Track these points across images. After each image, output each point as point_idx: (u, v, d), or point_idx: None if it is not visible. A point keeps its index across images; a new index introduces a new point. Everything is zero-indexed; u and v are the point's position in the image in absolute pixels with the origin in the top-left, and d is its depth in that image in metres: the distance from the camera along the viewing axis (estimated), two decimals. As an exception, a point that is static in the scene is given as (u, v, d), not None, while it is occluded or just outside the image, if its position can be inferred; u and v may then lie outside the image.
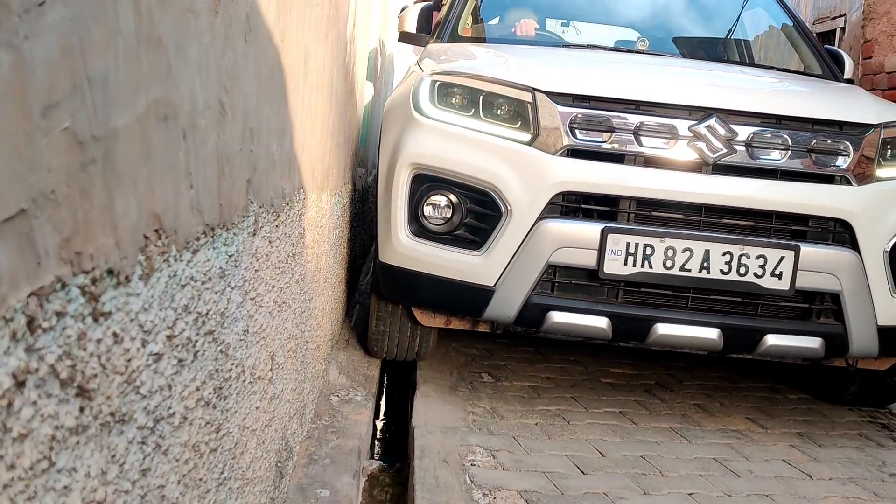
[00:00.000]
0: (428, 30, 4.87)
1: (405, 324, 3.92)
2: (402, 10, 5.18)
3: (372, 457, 3.37)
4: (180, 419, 1.25)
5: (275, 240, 1.96)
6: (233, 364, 1.61)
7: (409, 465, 3.07)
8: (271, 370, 2.05)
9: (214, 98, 1.37)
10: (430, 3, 5.38)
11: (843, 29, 6.22)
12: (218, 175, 1.41)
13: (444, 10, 4.96)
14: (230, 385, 1.61)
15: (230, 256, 1.52)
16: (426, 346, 4.06)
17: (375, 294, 3.88)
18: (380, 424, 3.88)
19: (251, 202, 1.69)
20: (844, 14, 6.17)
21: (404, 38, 4.98)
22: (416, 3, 5.27)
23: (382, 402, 4.19)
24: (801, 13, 7.07)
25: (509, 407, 3.61)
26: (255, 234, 1.74)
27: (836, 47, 5.50)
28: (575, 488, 2.82)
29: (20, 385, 0.72)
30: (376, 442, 3.64)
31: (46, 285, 0.77)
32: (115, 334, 0.94)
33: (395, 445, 3.63)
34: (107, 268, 0.91)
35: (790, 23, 4.95)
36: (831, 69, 4.62)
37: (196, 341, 1.32)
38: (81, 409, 0.86)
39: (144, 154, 1.04)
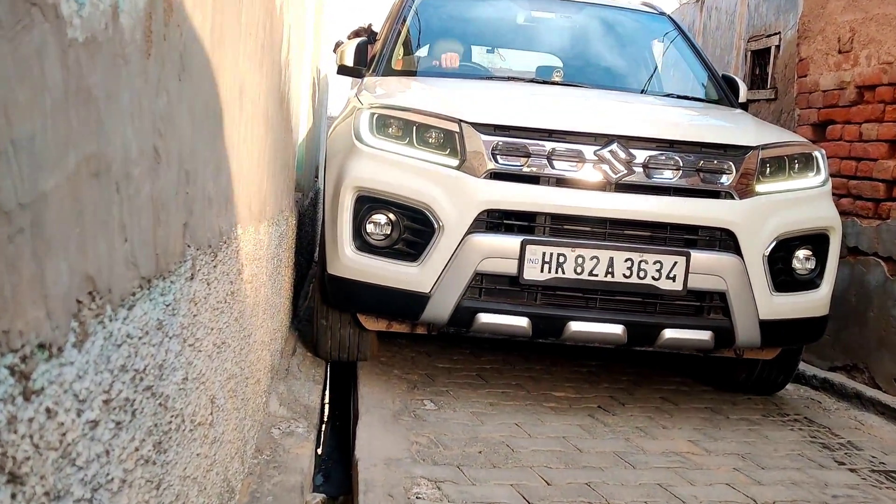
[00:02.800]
0: (364, 62, 5.25)
1: (351, 328, 4.35)
2: (338, 45, 5.71)
3: (315, 489, 3.31)
4: (119, 483, 1.19)
5: (213, 281, 1.91)
6: (172, 416, 1.55)
7: (353, 499, 3.02)
8: (211, 413, 1.99)
9: (148, 144, 1.32)
10: (365, 38, 5.69)
11: (777, 47, 6.32)
12: (153, 224, 1.36)
13: (378, 45, 5.41)
14: (170, 437, 1.55)
15: (167, 306, 1.47)
16: (368, 348, 4.52)
17: (323, 303, 4.28)
18: (322, 453, 3.81)
19: (188, 246, 1.64)
20: (779, 32, 6.26)
21: (343, 70, 5.38)
22: (349, 38, 5.42)
23: (324, 429, 4.13)
24: (736, 30, 7.18)
25: (453, 436, 3.57)
26: (192, 279, 1.69)
27: (732, 75, 5.83)
28: (521, 520, 2.79)
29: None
30: (319, 474, 3.57)
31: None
32: (48, 410, 0.89)
33: (339, 475, 3.57)
34: (38, 342, 0.86)
35: (691, 53, 5.45)
36: (727, 95, 5.15)
37: (134, 400, 1.27)
38: (13, 496, 0.81)
39: (75, 214, 0.99)
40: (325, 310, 4.32)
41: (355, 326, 4.34)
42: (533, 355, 5.15)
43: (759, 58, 6.79)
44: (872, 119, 5.05)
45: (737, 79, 5.31)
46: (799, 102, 5.83)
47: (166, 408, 1.50)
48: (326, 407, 4.48)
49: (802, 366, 5.28)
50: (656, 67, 5.74)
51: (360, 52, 5.27)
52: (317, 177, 7.77)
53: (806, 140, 4.56)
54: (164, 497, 1.52)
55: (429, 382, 4.37)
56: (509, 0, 5.83)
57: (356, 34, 7.35)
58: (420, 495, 2.92)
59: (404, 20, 5.33)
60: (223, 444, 2.19)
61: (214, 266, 1.93)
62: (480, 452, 3.40)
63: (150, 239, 1.34)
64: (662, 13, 5.83)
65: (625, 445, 3.64)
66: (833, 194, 4.43)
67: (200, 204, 1.76)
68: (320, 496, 3.16)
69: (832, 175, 4.96)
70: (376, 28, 6.99)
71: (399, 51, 5.27)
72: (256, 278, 2.81)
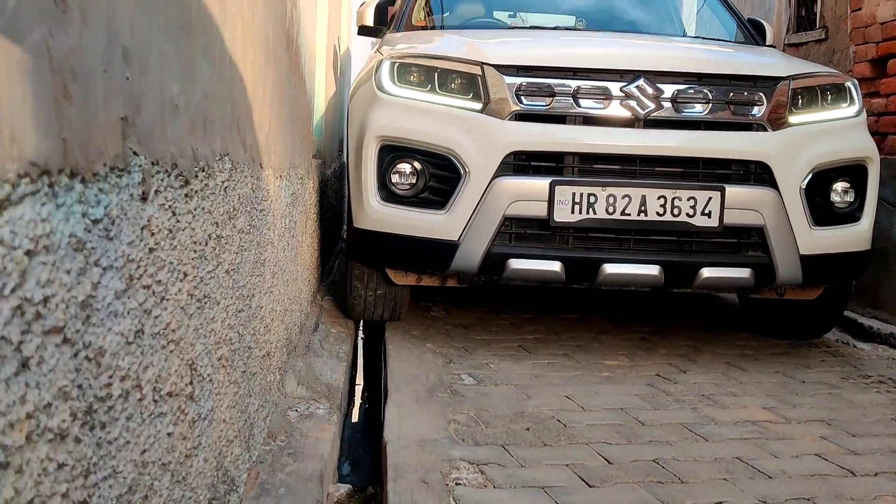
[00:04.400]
0: (384, 22, 5.24)
1: (381, 285, 4.25)
2: (361, 5, 5.53)
3: (340, 480, 2.89)
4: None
5: (184, 213, 1.48)
6: (114, 378, 1.13)
7: (382, 488, 2.59)
8: (191, 384, 1.57)
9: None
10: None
11: (827, -16, 5.80)
12: (55, 92, 0.93)
13: (398, 3, 5.35)
14: (111, 408, 1.13)
15: (94, 222, 1.05)
16: (401, 306, 4.42)
17: (352, 259, 4.22)
18: (349, 438, 3.39)
19: (134, 153, 1.21)
20: (828, -32, 5.75)
21: (363, 31, 5.43)
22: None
23: (351, 412, 3.71)
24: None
25: (495, 411, 3.14)
26: (145, 200, 1.26)
27: (758, 18, 5.53)
28: (581, 505, 2.35)
29: None
30: (345, 462, 3.15)
31: None
32: None
33: (368, 462, 3.15)
34: None
35: (716, 1, 5.35)
36: (753, 37, 5.07)
37: (22, 343, 0.84)
38: None
39: None
40: (354, 267, 4.24)
41: (385, 283, 4.23)
42: (579, 324, 4.71)
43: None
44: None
45: (762, 21, 5.22)
46: (854, 38, 5.32)
47: (100, 365, 1.07)
48: (354, 388, 4.06)
49: (878, 324, 4.81)
50: (680, 17, 5.66)
51: (380, 11, 5.27)
52: (341, 151, 7.35)
53: (837, 71, 4.35)
54: (107, 489, 1.10)
55: (466, 356, 3.94)
56: None
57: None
58: (460, 480, 2.49)
59: None
60: (213, 424, 1.77)
61: (186, 196, 1.50)
62: (528, 430, 2.96)
63: (50, 111, 0.91)
64: None
65: (692, 416, 3.19)
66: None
67: (156, 105, 1.33)
68: (345, 487, 2.72)
69: (895, 113, 4.82)
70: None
71: (419, 8, 5.22)
72: (260, 233, 2.38)
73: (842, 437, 3.03)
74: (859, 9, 5.24)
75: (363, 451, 3.31)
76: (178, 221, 1.44)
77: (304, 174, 3.82)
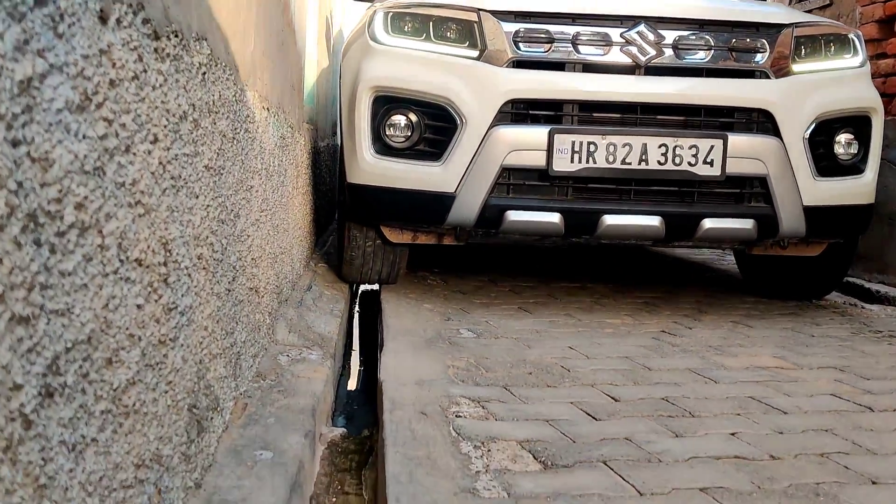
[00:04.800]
0: None
1: (376, 244, 4.12)
2: None
3: (333, 425, 2.75)
4: None
5: (153, 68, 1.35)
6: (67, 200, 1.00)
7: (378, 428, 2.46)
8: (164, 265, 1.44)
9: None
10: None
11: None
12: None
13: None
14: (65, 235, 1.00)
15: (37, 2, 0.92)
16: (397, 268, 4.30)
17: (346, 218, 4.12)
18: (343, 396, 3.26)
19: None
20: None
21: None
22: None
23: (350, 375, 3.57)
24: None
25: (496, 359, 3.01)
26: (105, 23, 1.13)
27: None
28: (588, 435, 2.22)
29: None
30: (339, 416, 3.02)
31: None
32: None
33: (362, 417, 3.01)
34: None
35: None
36: None
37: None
38: None
39: None
40: (348, 226, 4.11)
41: (380, 242, 4.11)
42: (580, 290, 4.58)
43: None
44: (953, 2, 4.43)
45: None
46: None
47: (47, 172, 0.94)
48: (349, 352, 3.93)
49: (885, 288, 4.69)
50: None
51: None
52: (335, 133, 7.23)
53: (840, 23, 4.23)
54: (58, 324, 0.97)
55: (464, 315, 3.80)
56: None
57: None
58: (461, 413, 2.35)
59: None
60: (192, 327, 1.63)
61: (157, 52, 1.37)
62: (530, 374, 2.83)
63: None
64: None
65: (700, 363, 3.06)
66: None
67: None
68: (339, 430, 2.59)
69: None
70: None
71: None
72: (242, 149, 2.25)
73: (856, 380, 2.90)
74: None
75: (358, 408, 3.17)
76: (145, 71, 1.31)
77: (294, 125, 3.69)
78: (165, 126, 1.43)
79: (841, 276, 4.40)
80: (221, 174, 1.92)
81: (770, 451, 2.15)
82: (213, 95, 1.81)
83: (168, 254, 1.46)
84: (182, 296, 1.57)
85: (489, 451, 2.06)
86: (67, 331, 1.02)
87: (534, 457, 2.04)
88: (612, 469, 1.98)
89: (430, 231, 3.94)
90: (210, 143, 1.79)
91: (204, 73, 1.72)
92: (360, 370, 3.74)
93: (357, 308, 4.91)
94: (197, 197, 1.68)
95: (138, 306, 1.30)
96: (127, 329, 1.24)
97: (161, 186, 1.41)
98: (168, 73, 1.44)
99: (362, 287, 5.38)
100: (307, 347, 2.93)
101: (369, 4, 5.64)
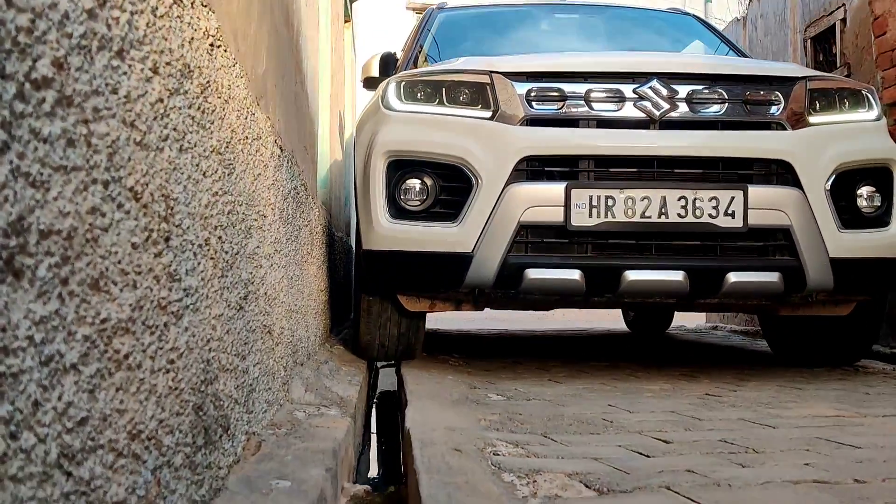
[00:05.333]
0: (389, 74, 5.06)
1: (393, 316, 4.04)
2: (366, 61, 5.53)
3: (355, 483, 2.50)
4: None
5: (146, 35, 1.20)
6: (39, 56, 0.82)
7: (406, 482, 2.21)
8: (166, 221, 1.25)
9: None
10: (392, 53, 5.61)
11: (843, 20, 5.66)
12: None
13: (402, 56, 5.39)
14: (39, 107, 0.82)
15: None
16: (415, 341, 4.22)
17: (362, 291, 4.04)
18: (363, 471, 3.00)
19: None
20: (843, 4, 5.61)
21: (368, 83, 5.31)
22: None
23: (370, 454, 3.31)
24: (789, 25, 6.56)
25: (531, 413, 2.77)
26: None
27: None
28: (643, 468, 1.97)
29: None
30: (357, 481, 2.76)
31: None
32: None
33: (385, 479, 2.75)
34: None
35: (721, 42, 5.22)
36: None
37: None
38: None
39: None
40: (364, 298, 4.05)
41: (397, 313, 4.04)
42: (612, 368, 4.34)
43: (820, 43, 6.14)
44: (977, 56, 4.33)
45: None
46: (880, 64, 5.13)
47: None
48: (368, 436, 3.68)
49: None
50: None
51: (385, 63, 5.31)
52: (349, 235, 7.12)
53: (852, 80, 4.27)
54: (45, 215, 0.79)
55: (491, 385, 3.56)
56: (532, 8, 5.73)
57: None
58: (499, 452, 2.11)
59: (427, 31, 5.28)
60: (199, 317, 1.43)
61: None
62: (570, 425, 2.58)
63: None
64: (687, 13, 5.73)
65: (753, 415, 2.81)
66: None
67: None
68: (362, 487, 2.34)
69: None
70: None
71: (423, 57, 5.12)
72: (250, 160, 2.09)
73: (928, 422, 2.65)
74: (884, 33, 5.08)
75: (383, 473, 2.92)
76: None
77: (308, 187, 3.55)
78: (168, 63, 1.26)
79: (872, 340, 4.28)
80: (231, 170, 1.75)
81: (853, 475, 1.90)
82: (215, 98, 1.66)
83: (170, 210, 1.28)
84: (186, 272, 1.37)
85: (535, 481, 1.82)
86: (43, 209, 0.83)
87: (586, 486, 1.80)
88: (678, 493, 1.73)
89: (448, 297, 3.87)
90: (218, 130, 1.63)
91: (207, 84, 1.56)
92: (380, 447, 3.48)
93: (375, 401, 4.67)
94: (204, 175, 1.50)
95: (133, 245, 1.11)
96: (118, 262, 1.05)
97: (160, 126, 1.24)
98: (154, 56, 1.28)
99: (380, 389, 5.14)
100: (325, 406, 2.70)
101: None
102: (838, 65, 5.79)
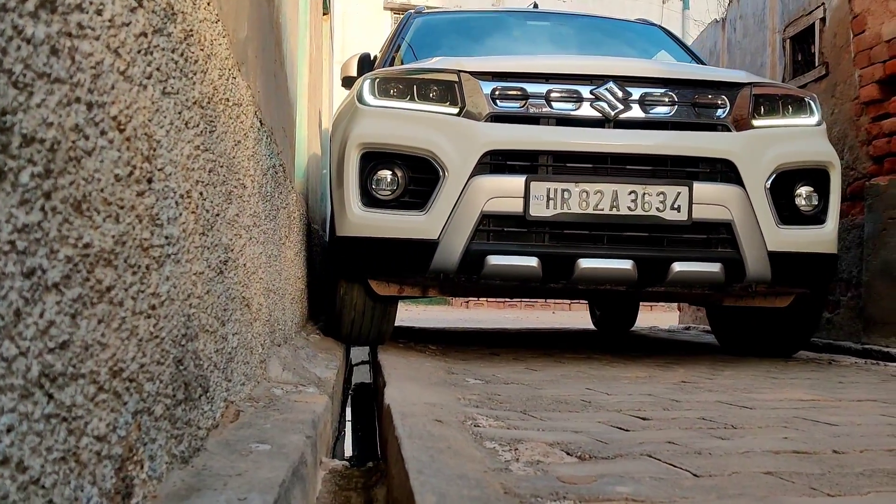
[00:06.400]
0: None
1: (365, 300, 4.25)
2: (345, 61, 5.74)
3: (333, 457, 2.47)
4: None
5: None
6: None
7: (384, 455, 2.19)
8: (148, 161, 1.23)
9: None
10: (369, 54, 5.81)
11: (822, 19, 5.69)
12: None
13: (381, 55, 5.63)
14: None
15: None
16: (386, 325, 4.45)
17: (336, 276, 4.27)
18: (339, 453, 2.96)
19: None
20: (823, 3, 5.64)
21: (347, 83, 5.49)
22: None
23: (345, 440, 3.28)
24: (768, 25, 6.61)
25: (510, 395, 2.76)
26: None
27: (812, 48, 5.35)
28: (624, 440, 1.96)
29: None
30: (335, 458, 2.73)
31: None
32: None
33: (363, 458, 2.72)
34: None
35: (684, 52, 5.49)
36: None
37: None
38: None
39: None
40: (338, 282, 4.27)
41: (369, 297, 4.26)
42: (589, 359, 4.34)
43: (799, 43, 6.18)
44: (954, 54, 4.38)
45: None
46: (858, 62, 5.17)
47: None
48: (343, 421, 3.64)
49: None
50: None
51: (364, 62, 5.55)
52: (324, 230, 7.08)
53: (796, 87, 4.53)
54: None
55: (469, 371, 3.55)
56: (506, 15, 6.03)
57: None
58: (479, 424, 2.10)
59: (404, 34, 5.47)
60: (180, 269, 1.41)
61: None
62: (549, 404, 2.57)
63: None
64: (653, 23, 6.00)
65: (731, 398, 2.82)
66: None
67: None
68: (341, 462, 2.31)
69: None
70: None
71: (399, 58, 5.29)
72: (231, 123, 2.07)
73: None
74: (863, 31, 5.11)
75: (360, 454, 2.89)
76: None
77: (287, 170, 3.51)
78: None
79: (811, 332, 4.53)
80: (213, 128, 1.73)
81: (831, 448, 1.90)
82: (198, 56, 1.64)
83: (153, 151, 1.25)
84: (168, 220, 1.35)
85: (516, 449, 1.80)
86: (26, 114, 0.80)
87: (567, 453, 1.79)
88: (659, 460, 1.73)
89: (416, 282, 4.07)
90: (200, 83, 1.60)
91: (187, 49, 1.54)
92: (356, 434, 3.45)
93: (350, 392, 4.63)
94: (186, 125, 1.48)
95: (116, 177, 1.08)
96: (101, 189, 1.02)
97: (144, 62, 1.21)
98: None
99: (355, 381, 5.11)
100: (303, 385, 2.67)
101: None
102: (816, 64, 5.83)
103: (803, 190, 4.05)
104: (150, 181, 1.24)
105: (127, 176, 1.13)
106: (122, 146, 1.11)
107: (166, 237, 1.34)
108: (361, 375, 4.90)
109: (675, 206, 3.75)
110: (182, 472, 1.40)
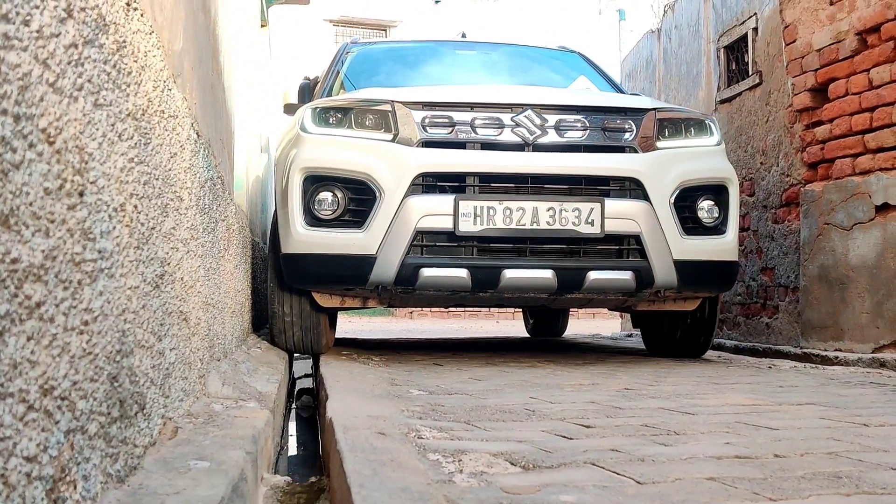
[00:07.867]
0: (308, 101, 5.59)
1: (308, 310, 4.55)
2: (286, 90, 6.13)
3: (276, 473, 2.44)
4: None
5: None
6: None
7: (326, 471, 2.16)
8: (80, 174, 1.20)
9: None
10: (309, 81, 6.05)
11: (755, 29, 5.79)
12: None
13: (319, 86, 5.77)
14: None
15: None
16: (326, 335, 4.73)
17: (279, 288, 4.53)
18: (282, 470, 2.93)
19: None
20: (755, 13, 5.74)
21: (288, 109, 5.82)
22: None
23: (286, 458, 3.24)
24: (703, 35, 6.70)
25: (454, 405, 2.75)
26: None
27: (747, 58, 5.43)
28: (567, 448, 1.96)
29: None
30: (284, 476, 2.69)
31: None
32: None
33: (306, 474, 2.69)
34: None
35: (600, 77, 5.89)
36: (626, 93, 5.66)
37: None
38: None
39: None
40: (281, 295, 4.53)
41: (312, 309, 4.55)
42: (532, 367, 4.35)
43: (733, 52, 6.28)
44: (882, 61, 4.49)
45: (640, 94, 5.74)
46: (791, 71, 5.27)
47: None
48: (286, 436, 3.60)
49: (843, 354, 4.55)
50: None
51: (304, 91, 5.86)
52: (265, 243, 7.01)
53: (696, 111, 4.96)
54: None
55: (412, 382, 3.53)
56: (436, 44, 6.45)
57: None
58: (423, 436, 2.09)
59: (341, 64, 5.76)
60: (114, 283, 1.38)
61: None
62: (493, 413, 2.57)
63: None
64: (573, 51, 6.44)
65: (673, 404, 2.84)
66: (848, 155, 4.74)
67: None
68: (283, 478, 2.28)
69: (841, 136, 4.91)
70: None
71: (339, 85, 5.56)
72: (165, 135, 2.03)
73: (842, 410, 2.71)
74: (794, 41, 5.21)
75: (302, 470, 2.85)
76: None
77: (225, 183, 3.47)
78: (83, 10, 1.21)
79: (712, 332, 5.01)
80: (148, 140, 1.69)
81: (773, 452, 1.92)
82: (132, 63, 1.60)
83: (84, 164, 1.22)
84: (101, 234, 1.32)
85: (460, 460, 1.79)
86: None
87: (511, 463, 1.78)
88: (602, 468, 1.73)
89: (356, 294, 4.40)
90: (134, 95, 1.57)
91: (120, 52, 1.51)
92: (299, 448, 3.42)
93: (294, 407, 4.59)
94: (120, 137, 1.45)
95: (46, 190, 1.05)
96: (30, 203, 1.00)
97: (74, 74, 1.18)
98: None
99: (299, 385, 5.06)
100: (243, 400, 2.64)
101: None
102: (750, 73, 5.92)
103: (705, 204, 4.43)
104: (81, 194, 1.21)
105: (57, 189, 1.10)
106: (51, 159, 1.08)
107: (99, 251, 1.31)
108: (305, 388, 4.86)
109: (590, 220, 4.12)
110: (118, 492, 1.37)
